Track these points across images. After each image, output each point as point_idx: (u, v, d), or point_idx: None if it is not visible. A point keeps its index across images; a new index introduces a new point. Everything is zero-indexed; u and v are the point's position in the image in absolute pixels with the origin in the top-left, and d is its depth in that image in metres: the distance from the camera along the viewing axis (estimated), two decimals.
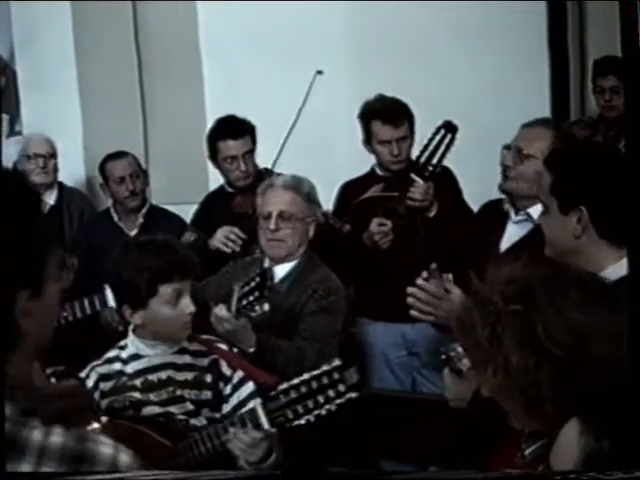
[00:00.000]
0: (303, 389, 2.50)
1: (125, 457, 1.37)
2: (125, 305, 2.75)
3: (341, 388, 2.49)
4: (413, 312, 2.64)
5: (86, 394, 2.17)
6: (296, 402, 2.50)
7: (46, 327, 1.42)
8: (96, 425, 2.12)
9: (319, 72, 4.83)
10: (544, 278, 1.61)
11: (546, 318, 1.55)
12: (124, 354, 2.85)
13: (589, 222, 2.19)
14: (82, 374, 2.82)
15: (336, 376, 2.50)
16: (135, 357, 2.82)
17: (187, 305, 2.75)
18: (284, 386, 2.52)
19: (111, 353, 2.88)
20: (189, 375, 2.80)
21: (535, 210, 3.11)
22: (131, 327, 2.86)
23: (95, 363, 2.87)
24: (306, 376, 2.51)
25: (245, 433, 2.51)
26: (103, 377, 2.83)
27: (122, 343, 2.89)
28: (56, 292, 1.41)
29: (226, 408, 2.79)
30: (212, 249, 3.93)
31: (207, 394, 2.79)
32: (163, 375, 2.79)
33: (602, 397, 1.52)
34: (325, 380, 2.50)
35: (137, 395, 2.77)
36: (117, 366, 2.83)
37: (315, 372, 2.51)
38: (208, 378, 2.80)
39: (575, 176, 2.23)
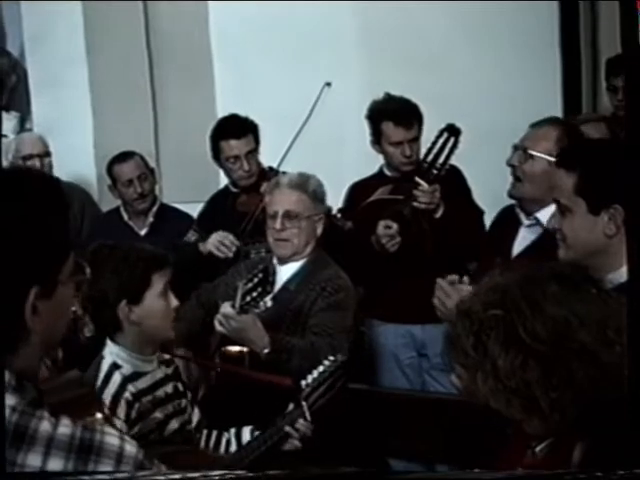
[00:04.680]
0: (331, 380, 2.82)
1: (130, 447, 1.40)
2: (123, 302, 2.64)
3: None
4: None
5: (89, 385, 2.16)
6: (326, 392, 2.81)
7: (54, 329, 1.44)
8: (99, 416, 2.11)
9: (328, 84, 4.83)
10: (520, 280, 1.64)
11: (526, 317, 1.58)
12: (125, 373, 2.67)
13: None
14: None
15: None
16: (136, 375, 2.68)
17: (173, 299, 2.72)
18: (314, 383, 2.81)
19: (116, 377, 2.65)
20: (173, 385, 2.79)
21: (543, 214, 3.10)
22: (108, 342, 2.72)
23: (114, 390, 2.61)
24: (328, 369, 2.84)
25: (307, 423, 2.79)
26: (130, 404, 2.63)
27: (110, 362, 2.68)
28: (68, 297, 1.44)
29: (196, 415, 2.86)
30: (204, 252, 3.95)
31: (184, 402, 2.81)
32: (168, 389, 2.75)
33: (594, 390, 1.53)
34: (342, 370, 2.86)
35: (159, 415, 2.69)
36: (132, 389, 2.65)
37: (334, 364, 2.85)
38: (180, 386, 2.82)
39: (606, 174, 2.17)
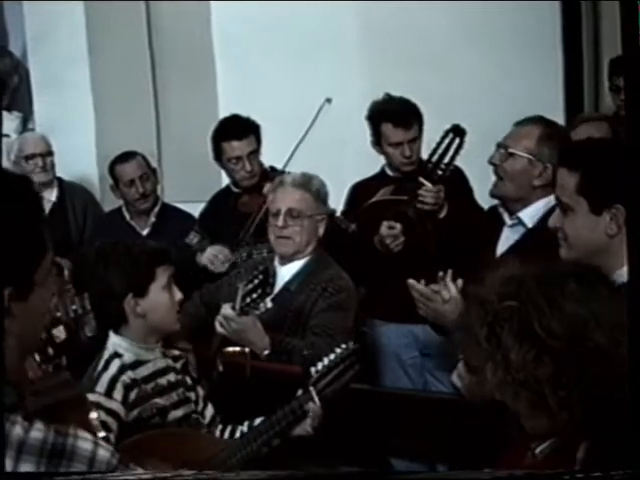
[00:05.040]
0: (342, 366, 2.80)
1: (103, 452, 1.38)
2: (130, 295, 2.70)
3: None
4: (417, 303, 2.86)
5: (77, 387, 2.17)
6: (335, 379, 2.79)
7: (31, 331, 1.42)
8: (94, 415, 2.12)
9: (328, 100, 4.83)
10: (538, 275, 1.65)
11: (543, 312, 1.58)
12: (126, 362, 2.73)
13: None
14: (99, 388, 2.65)
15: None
16: (138, 364, 2.74)
17: (176, 292, 2.77)
18: (324, 370, 2.79)
19: (115, 363, 2.72)
20: (178, 377, 2.83)
21: (525, 214, 3.11)
22: (111, 334, 2.78)
23: (111, 374, 2.69)
24: (339, 356, 2.81)
25: (317, 407, 2.77)
26: (128, 387, 2.69)
27: (111, 351, 2.75)
28: (45, 299, 1.42)
29: (210, 411, 2.89)
30: (200, 265, 3.97)
31: (192, 395, 2.85)
32: (171, 378, 2.80)
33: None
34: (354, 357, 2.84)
35: (160, 401, 2.73)
36: (131, 374, 2.71)
37: (345, 352, 2.82)
38: (188, 380, 2.86)
39: (609, 174, 2.17)
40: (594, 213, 2.24)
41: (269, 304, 3.16)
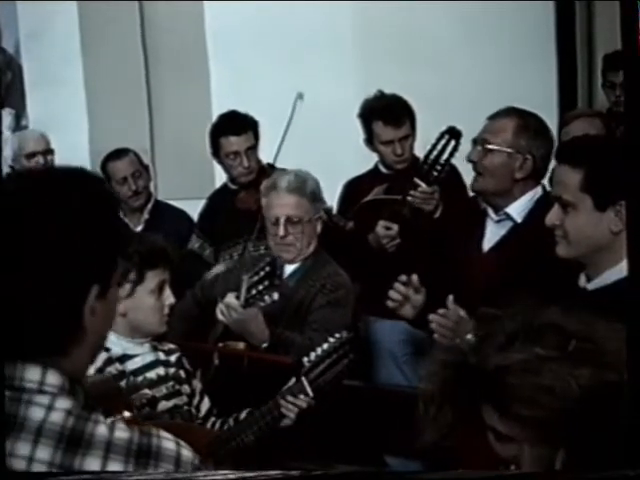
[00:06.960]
0: (334, 356, 2.80)
1: (187, 452, 1.38)
2: None
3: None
4: (437, 337, 2.77)
5: (114, 383, 2.17)
6: (328, 368, 2.79)
7: (105, 330, 1.44)
8: (127, 414, 2.12)
9: (300, 96, 4.84)
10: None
11: None
12: (113, 355, 2.76)
13: None
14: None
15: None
16: (126, 357, 2.77)
17: (168, 296, 2.77)
18: (316, 359, 2.79)
19: (102, 356, 2.72)
20: (170, 370, 2.84)
21: (513, 209, 3.07)
22: None
23: (97, 366, 2.69)
24: (332, 345, 2.80)
25: (301, 399, 2.75)
26: (115, 378, 2.71)
27: None
28: (116, 298, 1.44)
29: (206, 404, 2.90)
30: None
31: (186, 388, 2.86)
32: (160, 371, 2.81)
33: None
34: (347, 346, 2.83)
35: (149, 392, 2.76)
36: (118, 366, 2.75)
37: (338, 341, 2.81)
38: (182, 373, 2.87)
39: (614, 170, 2.13)
40: (598, 210, 2.24)
41: (275, 296, 3.14)
